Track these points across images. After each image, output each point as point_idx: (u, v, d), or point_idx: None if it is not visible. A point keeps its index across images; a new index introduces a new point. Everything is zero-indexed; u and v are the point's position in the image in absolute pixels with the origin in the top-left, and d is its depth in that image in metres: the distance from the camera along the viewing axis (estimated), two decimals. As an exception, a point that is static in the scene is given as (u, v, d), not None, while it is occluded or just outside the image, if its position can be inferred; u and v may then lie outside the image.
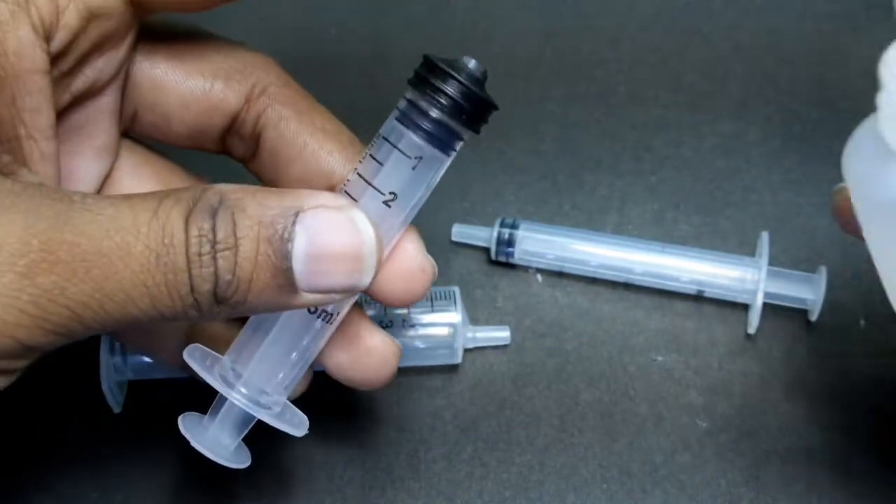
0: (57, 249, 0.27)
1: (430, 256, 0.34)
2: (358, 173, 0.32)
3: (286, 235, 0.29)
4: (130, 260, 0.27)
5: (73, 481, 0.41)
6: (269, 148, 0.35)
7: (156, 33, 0.35)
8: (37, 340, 0.28)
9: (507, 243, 0.47)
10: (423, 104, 0.31)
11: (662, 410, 0.43)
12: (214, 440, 0.33)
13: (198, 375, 0.32)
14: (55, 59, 0.31)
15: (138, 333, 0.36)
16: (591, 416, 0.43)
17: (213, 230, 0.28)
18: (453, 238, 0.49)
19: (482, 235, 0.48)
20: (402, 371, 0.39)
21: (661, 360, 0.45)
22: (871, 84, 0.54)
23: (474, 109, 0.31)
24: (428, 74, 0.31)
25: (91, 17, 0.31)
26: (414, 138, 0.31)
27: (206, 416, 0.33)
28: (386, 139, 0.32)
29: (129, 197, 0.29)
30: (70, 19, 0.31)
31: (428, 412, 0.43)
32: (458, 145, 0.32)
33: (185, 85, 0.35)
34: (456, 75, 0.30)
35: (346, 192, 0.32)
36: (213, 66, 0.35)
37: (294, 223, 0.29)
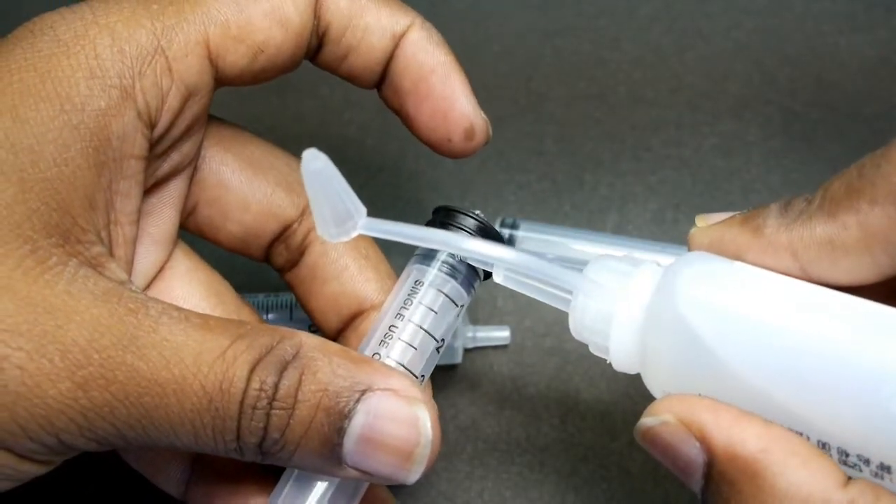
0: (116, 369, 0.27)
1: None
2: (410, 320, 0.33)
3: (346, 411, 0.28)
4: (183, 396, 0.27)
5: None
6: (310, 263, 0.36)
7: (229, 135, 0.36)
8: (79, 446, 0.28)
9: (507, 243, 0.47)
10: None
11: (662, 410, 0.43)
12: None
13: None
14: (156, 142, 0.31)
15: (140, 459, 0.35)
16: (591, 416, 0.43)
17: (276, 386, 0.28)
18: (453, 238, 0.49)
19: (482, 235, 0.48)
20: (402, 371, 0.39)
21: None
22: (872, 84, 0.54)
23: None
24: (477, 232, 0.34)
25: (189, 96, 0.32)
26: (461, 289, 0.34)
27: None
28: (432, 286, 0.34)
29: (204, 324, 0.28)
30: (173, 101, 0.31)
31: (428, 412, 0.43)
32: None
33: (249, 186, 0.35)
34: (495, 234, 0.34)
35: (399, 338, 0.33)
36: (278, 174, 0.36)
37: (358, 401, 0.28)
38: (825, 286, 0.30)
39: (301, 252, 0.36)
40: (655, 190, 0.51)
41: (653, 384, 0.31)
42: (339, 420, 0.28)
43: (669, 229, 0.49)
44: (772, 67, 0.55)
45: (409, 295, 0.33)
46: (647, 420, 0.29)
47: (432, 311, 0.33)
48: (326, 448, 0.28)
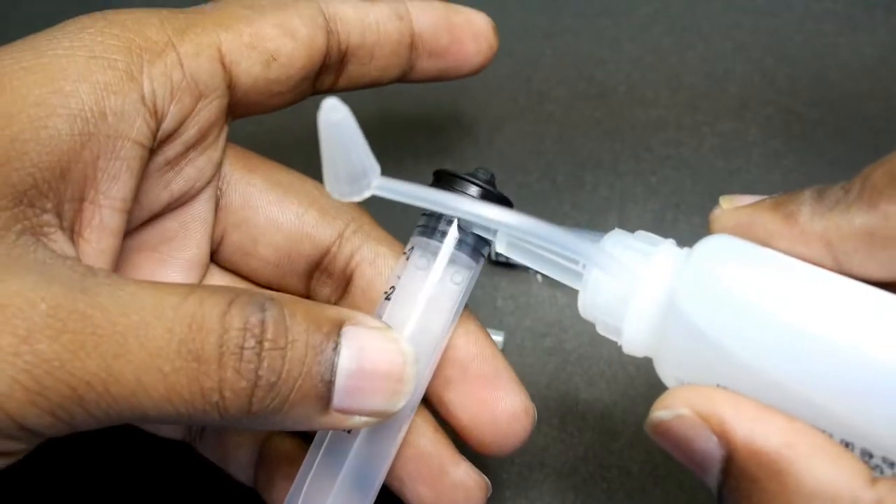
0: (66, 318, 0.24)
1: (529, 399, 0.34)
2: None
3: (334, 346, 0.27)
4: (147, 341, 0.25)
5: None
6: (364, 286, 0.34)
7: (254, 160, 0.35)
8: (32, 420, 0.24)
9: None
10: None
11: (662, 410, 0.43)
12: None
13: None
14: (165, 140, 0.31)
15: (211, 444, 0.35)
16: (591, 416, 0.43)
17: (263, 324, 0.26)
18: (453, 238, 0.49)
19: (482, 235, 0.48)
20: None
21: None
22: (871, 84, 0.54)
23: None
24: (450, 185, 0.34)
25: (200, 96, 0.31)
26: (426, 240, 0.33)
27: None
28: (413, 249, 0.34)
29: (155, 283, 0.26)
30: (184, 97, 0.30)
31: (428, 412, 0.43)
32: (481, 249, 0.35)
33: (278, 206, 0.34)
34: (475, 181, 0.34)
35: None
36: (309, 196, 0.35)
37: (339, 335, 0.27)
38: (857, 280, 0.28)
39: (347, 279, 0.34)
40: (655, 190, 0.51)
41: (665, 370, 0.30)
42: (331, 355, 0.27)
43: (669, 230, 0.49)
44: (772, 67, 0.55)
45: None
46: (660, 413, 0.28)
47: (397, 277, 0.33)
48: (320, 388, 0.27)
